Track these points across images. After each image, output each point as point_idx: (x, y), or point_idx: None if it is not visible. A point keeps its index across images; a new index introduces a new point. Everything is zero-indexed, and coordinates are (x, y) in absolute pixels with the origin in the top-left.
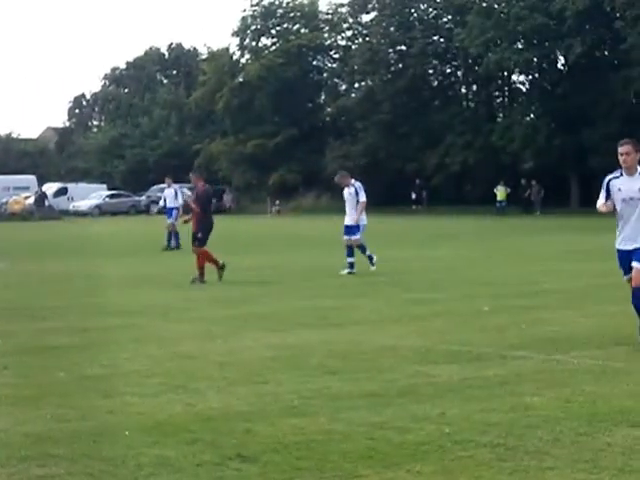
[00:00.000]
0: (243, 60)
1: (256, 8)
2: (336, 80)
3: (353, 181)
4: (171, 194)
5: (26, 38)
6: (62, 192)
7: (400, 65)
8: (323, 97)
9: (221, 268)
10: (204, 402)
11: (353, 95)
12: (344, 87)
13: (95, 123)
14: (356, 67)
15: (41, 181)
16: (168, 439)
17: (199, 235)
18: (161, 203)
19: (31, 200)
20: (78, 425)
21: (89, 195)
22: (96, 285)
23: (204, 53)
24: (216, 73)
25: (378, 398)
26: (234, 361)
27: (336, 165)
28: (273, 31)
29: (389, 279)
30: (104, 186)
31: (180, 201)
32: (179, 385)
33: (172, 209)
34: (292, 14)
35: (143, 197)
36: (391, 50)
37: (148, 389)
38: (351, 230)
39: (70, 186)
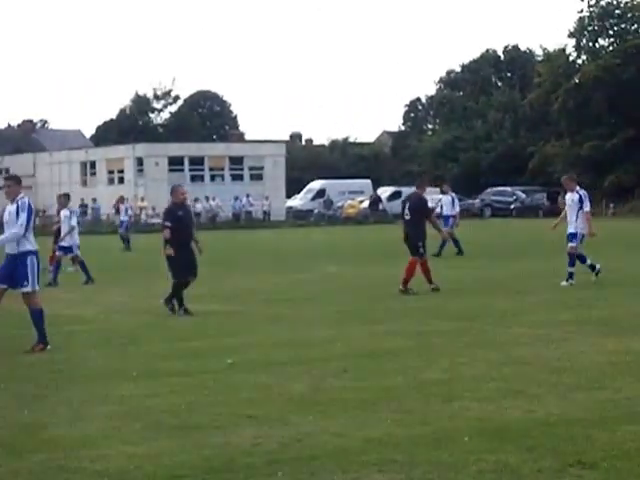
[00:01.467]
0: (579, 61)
1: (593, 9)
2: None
3: (578, 188)
4: (448, 201)
5: (362, 45)
6: (396, 196)
7: None
8: None
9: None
10: (543, 408)
11: None
12: None
13: (430, 126)
14: None
15: (376, 185)
16: (508, 445)
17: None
18: (437, 210)
19: (366, 204)
20: (418, 430)
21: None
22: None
23: (540, 55)
24: (552, 74)
25: None
26: (571, 366)
27: None
28: (610, 31)
29: None
30: (437, 189)
31: (457, 209)
32: (518, 390)
33: (449, 217)
34: (630, 14)
35: (477, 200)
36: None
37: (487, 394)
38: (572, 238)
39: (404, 190)
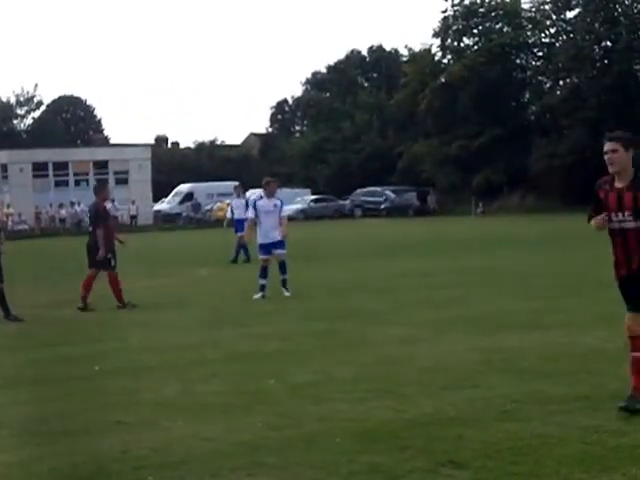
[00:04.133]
0: (445, 61)
1: (457, 8)
2: (540, 78)
3: None
4: (241, 205)
5: (227, 46)
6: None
7: (605, 61)
8: (527, 95)
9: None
10: (415, 407)
11: (558, 92)
12: (548, 85)
13: (297, 128)
14: (560, 64)
15: (245, 187)
16: (380, 445)
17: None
18: (228, 215)
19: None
20: (289, 432)
21: (294, 200)
22: (301, 290)
23: (405, 55)
24: (418, 74)
25: (591, 401)
26: (443, 365)
27: (542, 164)
28: (475, 30)
29: (596, 277)
30: (308, 190)
31: (250, 214)
32: (389, 390)
33: (241, 221)
34: (494, 13)
35: (347, 201)
36: (596, 46)
37: (358, 395)
38: None
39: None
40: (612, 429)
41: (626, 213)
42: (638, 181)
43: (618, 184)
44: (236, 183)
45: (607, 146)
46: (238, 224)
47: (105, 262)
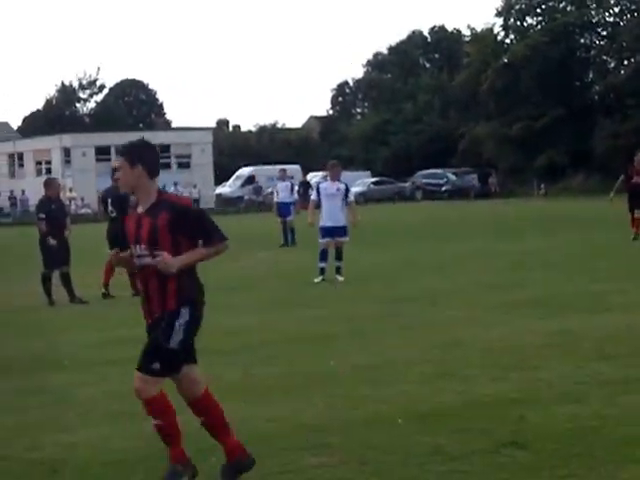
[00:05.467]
0: (507, 40)
1: None
2: (604, 57)
3: None
4: (286, 188)
5: (288, 28)
6: None
7: None
8: (591, 75)
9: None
10: (475, 389)
11: (622, 72)
12: (612, 64)
13: (358, 110)
14: (625, 44)
15: (305, 170)
16: (441, 427)
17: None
18: (275, 199)
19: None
20: (350, 414)
21: (354, 182)
22: (362, 272)
23: (467, 35)
24: (480, 54)
25: None
26: (504, 347)
27: (605, 144)
28: (538, 10)
29: None
30: (368, 173)
31: (295, 195)
32: (450, 372)
33: (288, 204)
34: None
35: (408, 183)
36: None
37: (419, 377)
38: None
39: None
40: None
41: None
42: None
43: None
44: (285, 166)
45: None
46: (284, 208)
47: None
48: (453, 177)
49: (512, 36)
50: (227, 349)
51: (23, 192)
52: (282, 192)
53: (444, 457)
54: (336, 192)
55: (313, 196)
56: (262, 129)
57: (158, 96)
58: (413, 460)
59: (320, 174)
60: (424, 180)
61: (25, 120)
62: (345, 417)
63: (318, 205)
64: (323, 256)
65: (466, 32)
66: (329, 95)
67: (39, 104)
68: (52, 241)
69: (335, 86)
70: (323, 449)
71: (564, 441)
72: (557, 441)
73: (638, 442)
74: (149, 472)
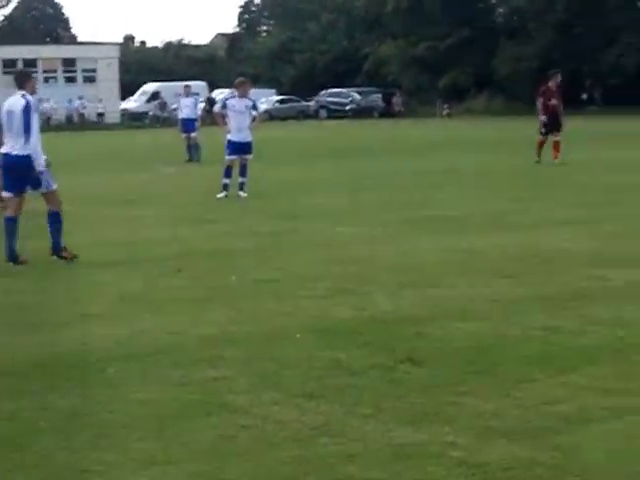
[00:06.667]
0: None
1: None
2: None
3: None
4: (190, 104)
5: None
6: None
7: None
8: None
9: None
10: (375, 306)
11: None
12: None
13: (264, 28)
14: None
15: (211, 87)
16: (339, 342)
17: None
18: (179, 114)
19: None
20: (251, 327)
21: (259, 100)
22: (265, 189)
23: None
24: None
25: (552, 301)
26: (404, 265)
27: (508, 67)
28: None
29: (562, 181)
30: (273, 91)
31: (199, 112)
32: (349, 289)
33: (190, 120)
34: None
35: (312, 102)
36: None
37: (318, 292)
38: None
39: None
40: (572, 330)
41: None
42: None
43: None
44: (189, 83)
45: None
46: (188, 123)
47: None
48: (357, 96)
49: None
50: (131, 260)
51: None
52: (186, 108)
53: (342, 371)
54: (244, 109)
55: (217, 108)
56: (168, 45)
57: (64, 11)
58: (312, 373)
59: (227, 91)
60: (329, 99)
61: None
62: (245, 330)
63: (224, 117)
64: (227, 173)
65: None
66: (236, 12)
67: None
68: None
69: (242, 3)
70: (222, 362)
71: (461, 358)
72: (454, 358)
73: (536, 361)
74: None
